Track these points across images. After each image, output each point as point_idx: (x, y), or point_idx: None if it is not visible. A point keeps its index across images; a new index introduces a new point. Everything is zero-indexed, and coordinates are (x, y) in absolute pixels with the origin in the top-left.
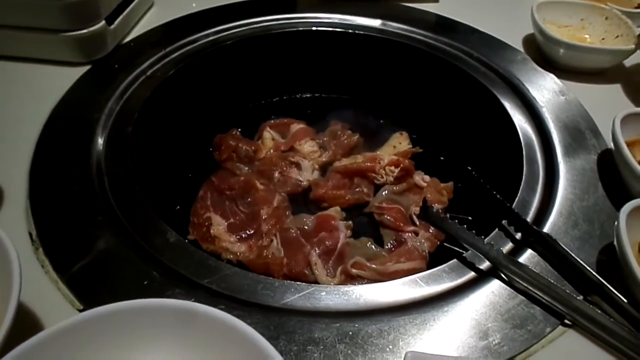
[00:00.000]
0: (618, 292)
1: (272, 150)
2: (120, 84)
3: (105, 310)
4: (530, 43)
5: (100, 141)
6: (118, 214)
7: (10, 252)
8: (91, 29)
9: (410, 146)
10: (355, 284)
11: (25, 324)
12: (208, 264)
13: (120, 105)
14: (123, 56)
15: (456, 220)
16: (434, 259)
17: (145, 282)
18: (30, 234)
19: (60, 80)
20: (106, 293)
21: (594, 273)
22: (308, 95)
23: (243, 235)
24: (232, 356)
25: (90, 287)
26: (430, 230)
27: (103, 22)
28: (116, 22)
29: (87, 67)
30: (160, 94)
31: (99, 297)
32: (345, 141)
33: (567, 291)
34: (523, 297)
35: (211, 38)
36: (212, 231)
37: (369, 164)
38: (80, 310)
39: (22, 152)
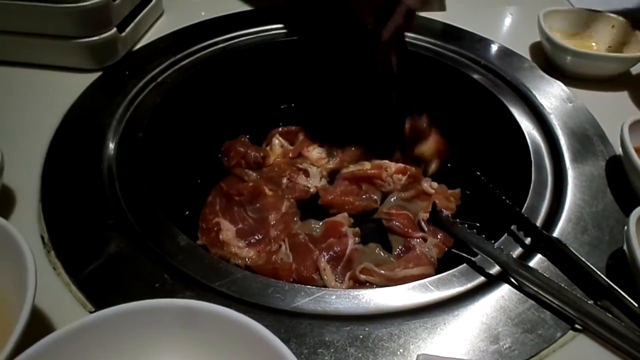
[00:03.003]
0: (628, 296)
1: (280, 157)
2: (130, 90)
3: (112, 311)
4: (538, 51)
5: (112, 146)
6: (129, 218)
7: (27, 256)
8: (103, 36)
9: None
10: (364, 289)
11: (37, 325)
12: (218, 267)
13: (131, 111)
14: (134, 63)
15: (466, 225)
16: (441, 265)
17: (157, 285)
18: (42, 237)
19: (72, 86)
20: (118, 295)
21: (604, 277)
22: (316, 102)
23: (252, 241)
24: (245, 354)
25: (102, 289)
26: (439, 237)
27: (114, 29)
28: (127, 29)
29: (99, 74)
30: (170, 101)
31: (111, 300)
32: (353, 148)
33: (578, 295)
34: (533, 302)
35: (220, 46)
36: (221, 236)
37: (375, 171)
38: (92, 312)
39: (34, 156)
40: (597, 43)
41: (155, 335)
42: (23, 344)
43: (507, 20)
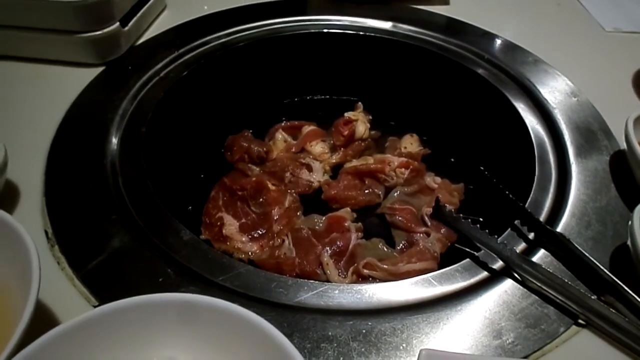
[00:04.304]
0: (632, 291)
1: (283, 152)
2: (133, 85)
3: (114, 306)
4: (543, 45)
5: (115, 141)
6: (132, 213)
7: (31, 250)
8: (105, 30)
9: (421, 148)
10: (367, 283)
11: (41, 319)
12: (222, 262)
13: (134, 105)
14: (136, 57)
15: (469, 220)
16: (444, 260)
17: (160, 280)
18: (46, 232)
19: (75, 81)
20: (121, 290)
21: (608, 272)
22: (319, 97)
23: (255, 235)
24: (248, 348)
25: (106, 284)
26: (442, 231)
27: (117, 23)
28: (130, 24)
29: (102, 68)
30: (173, 95)
31: (114, 294)
32: (356, 143)
33: (581, 291)
34: (536, 297)
35: (223, 40)
36: (224, 231)
37: (378, 165)
38: (96, 307)
39: (38, 151)
40: None
41: (157, 329)
42: (27, 337)
43: (511, 14)
